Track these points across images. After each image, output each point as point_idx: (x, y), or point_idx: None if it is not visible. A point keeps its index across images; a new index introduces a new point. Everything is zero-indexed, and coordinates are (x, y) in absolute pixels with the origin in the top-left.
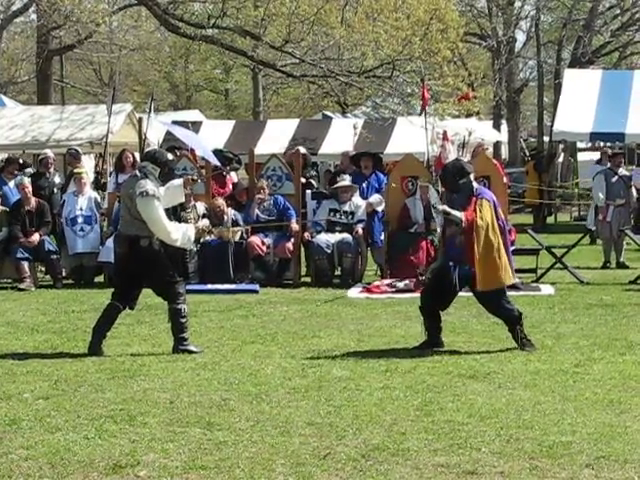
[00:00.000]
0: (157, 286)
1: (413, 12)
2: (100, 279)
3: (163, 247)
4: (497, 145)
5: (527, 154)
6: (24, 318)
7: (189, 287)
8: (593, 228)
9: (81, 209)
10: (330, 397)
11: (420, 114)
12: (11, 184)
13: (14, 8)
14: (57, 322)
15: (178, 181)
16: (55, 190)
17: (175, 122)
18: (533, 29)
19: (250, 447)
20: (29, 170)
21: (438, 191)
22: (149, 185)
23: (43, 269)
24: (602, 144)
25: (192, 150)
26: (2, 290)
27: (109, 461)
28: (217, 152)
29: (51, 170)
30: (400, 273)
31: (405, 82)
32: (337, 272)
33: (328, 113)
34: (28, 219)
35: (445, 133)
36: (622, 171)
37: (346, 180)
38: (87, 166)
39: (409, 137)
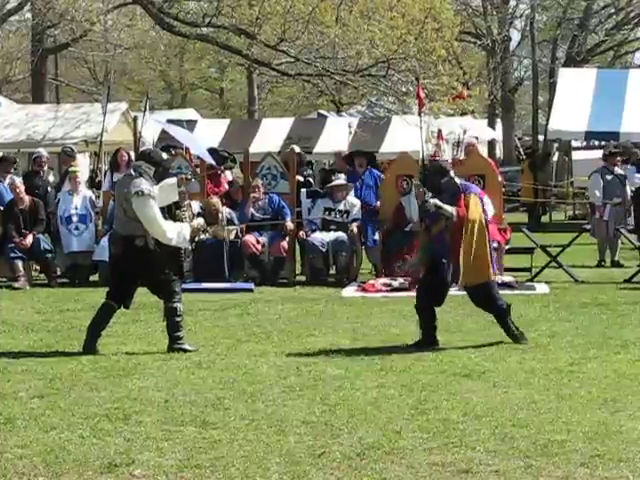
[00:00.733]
0: (152, 285)
1: (408, 11)
2: (95, 278)
3: (158, 246)
4: (492, 144)
5: (522, 153)
6: (19, 317)
7: (184, 286)
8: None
9: (76, 208)
10: (325, 396)
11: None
12: (6, 183)
13: (9, 6)
14: (52, 321)
15: (172, 180)
16: (49, 189)
17: (170, 121)
18: (528, 28)
19: (245, 446)
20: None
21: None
22: (144, 184)
23: (38, 268)
24: (597, 143)
25: (187, 149)
26: None
27: (104, 460)
28: (212, 151)
29: (45, 169)
30: (395, 272)
31: (400, 81)
32: (332, 271)
33: (323, 112)
34: (22, 218)
35: (440, 132)
36: (618, 170)
37: (341, 179)
38: (82, 165)
39: (404, 136)
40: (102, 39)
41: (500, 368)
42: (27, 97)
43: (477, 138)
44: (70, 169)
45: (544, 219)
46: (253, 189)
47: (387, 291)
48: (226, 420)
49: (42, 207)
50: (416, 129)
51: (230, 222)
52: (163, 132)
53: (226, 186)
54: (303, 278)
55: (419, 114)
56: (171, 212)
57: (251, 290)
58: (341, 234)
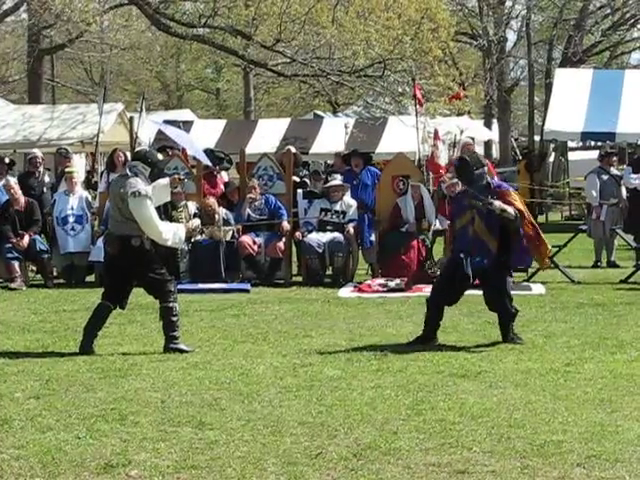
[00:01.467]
0: (148, 285)
1: (404, 11)
2: (91, 278)
3: (154, 246)
4: (488, 144)
5: (518, 153)
6: (15, 317)
7: (180, 286)
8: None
9: (72, 208)
10: (321, 396)
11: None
12: (1, 183)
13: (5, 7)
14: (48, 321)
15: (164, 180)
16: (45, 189)
17: (166, 121)
18: (524, 28)
19: (241, 446)
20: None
21: (429, 190)
22: (140, 185)
23: (34, 268)
24: (593, 143)
25: (183, 149)
26: None
27: (100, 460)
28: (208, 151)
29: (40, 169)
30: (391, 272)
31: (396, 81)
32: (328, 271)
33: (319, 112)
34: (18, 218)
35: (436, 132)
36: (614, 170)
37: (337, 179)
38: (78, 165)
39: (400, 136)
40: (98, 40)
41: (496, 369)
42: (23, 98)
43: (473, 139)
44: (66, 170)
45: (540, 219)
46: (249, 190)
47: (383, 292)
48: (223, 421)
49: (37, 208)
50: (412, 130)
51: (226, 223)
52: (159, 133)
53: (222, 187)
54: (299, 279)
55: (416, 114)
56: (167, 212)
57: (247, 291)
58: (337, 235)
